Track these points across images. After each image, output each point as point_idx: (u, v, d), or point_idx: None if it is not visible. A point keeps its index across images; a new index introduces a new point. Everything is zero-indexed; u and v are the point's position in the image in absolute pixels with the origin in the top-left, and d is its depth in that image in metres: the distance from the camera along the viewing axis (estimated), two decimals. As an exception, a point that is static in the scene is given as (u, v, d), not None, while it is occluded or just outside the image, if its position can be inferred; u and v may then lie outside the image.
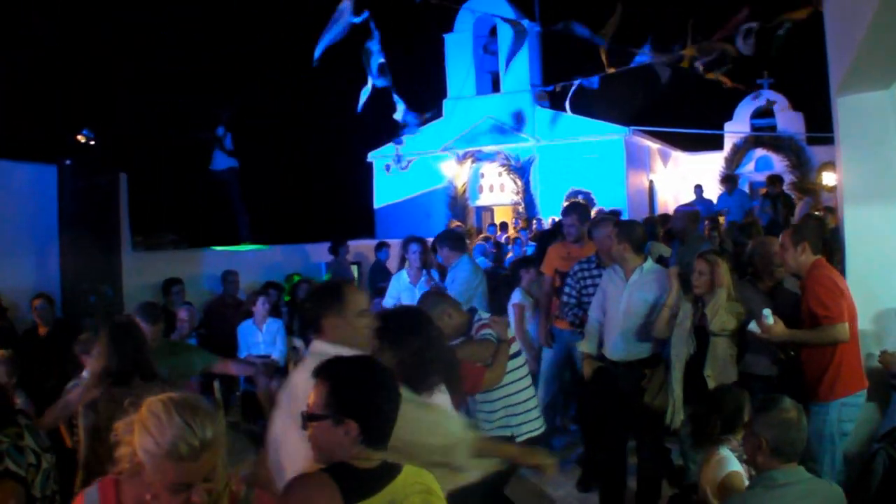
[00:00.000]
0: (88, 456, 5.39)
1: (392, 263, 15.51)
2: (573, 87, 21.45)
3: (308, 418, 3.29)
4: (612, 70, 18.81)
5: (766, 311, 6.43)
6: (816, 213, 16.82)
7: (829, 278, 6.51)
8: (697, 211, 11.62)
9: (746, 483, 4.97)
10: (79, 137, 11.53)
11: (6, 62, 21.89)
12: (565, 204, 10.12)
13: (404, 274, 9.96)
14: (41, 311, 9.55)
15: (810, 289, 6.50)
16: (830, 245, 8.68)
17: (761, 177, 25.52)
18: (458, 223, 21.12)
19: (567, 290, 8.81)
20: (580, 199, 23.18)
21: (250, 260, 14.86)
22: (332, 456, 3.27)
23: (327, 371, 3.34)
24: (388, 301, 10.26)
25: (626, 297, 7.50)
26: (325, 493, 3.12)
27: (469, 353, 5.70)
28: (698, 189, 21.64)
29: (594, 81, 19.76)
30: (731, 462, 5.16)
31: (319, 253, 16.52)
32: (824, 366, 6.36)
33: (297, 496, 3.13)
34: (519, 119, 24.41)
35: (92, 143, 11.59)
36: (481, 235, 19.09)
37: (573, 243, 9.30)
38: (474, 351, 5.79)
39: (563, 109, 23.65)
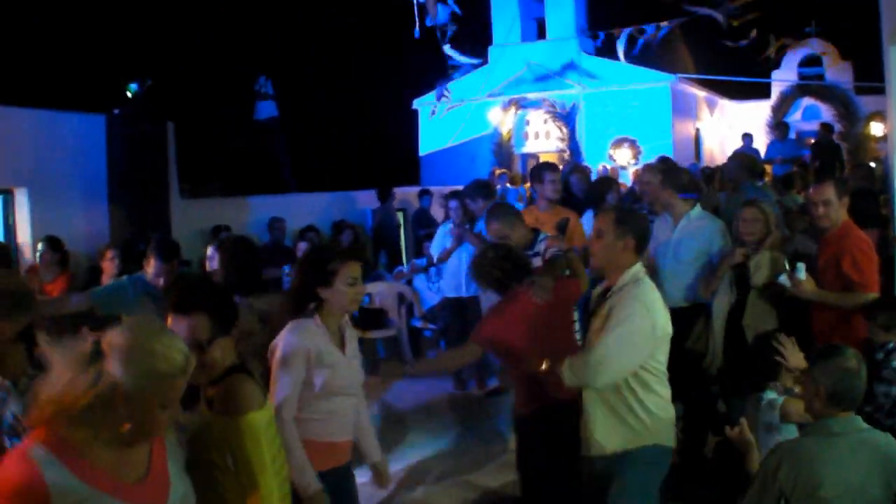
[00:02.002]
0: None
1: (435, 210, 15.59)
2: (624, 35, 21.38)
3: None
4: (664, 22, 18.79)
5: (800, 266, 6.33)
6: None
7: (867, 242, 6.31)
8: (753, 158, 11.49)
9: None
10: (129, 93, 11.63)
11: (53, 13, 22.05)
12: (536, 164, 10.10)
13: (449, 225, 10.04)
14: (115, 262, 9.50)
15: (847, 250, 6.25)
16: (875, 195, 8.62)
17: (809, 126, 25.23)
18: (503, 170, 21.06)
19: None
20: (625, 144, 23.11)
21: (297, 206, 14.94)
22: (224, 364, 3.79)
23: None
24: (435, 250, 10.39)
25: (673, 244, 7.50)
26: (255, 387, 3.74)
27: (554, 271, 5.81)
28: (747, 138, 21.24)
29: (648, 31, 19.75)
30: (777, 400, 5.18)
31: (365, 199, 16.60)
32: (845, 334, 6.02)
33: (244, 397, 3.64)
34: (564, 66, 24.24)
35: (146, 84, 11.68)
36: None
37: (545, 210, 8.99)
38: (555, 267, 5.88)
39: (609, 56, 23.51)
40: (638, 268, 5.01)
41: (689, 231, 7.47)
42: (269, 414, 3.79)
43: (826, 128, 20.24)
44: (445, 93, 23.71)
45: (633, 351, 4.79)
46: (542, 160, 24.19)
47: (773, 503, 4.28)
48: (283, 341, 4.53)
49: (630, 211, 5.60)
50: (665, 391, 5.00)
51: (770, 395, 5.28)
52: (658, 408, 4.92)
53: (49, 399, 2.68)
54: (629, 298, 4.82)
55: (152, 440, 2.96)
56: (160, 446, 3.02)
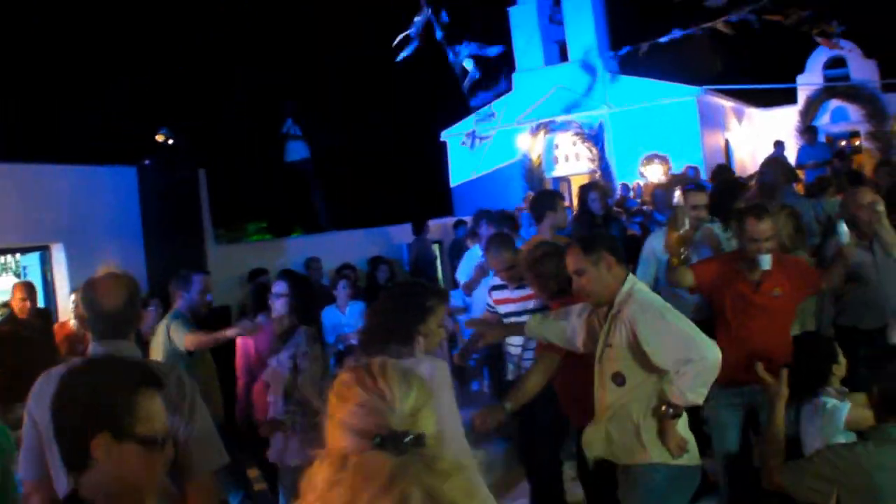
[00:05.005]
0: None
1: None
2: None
3: None
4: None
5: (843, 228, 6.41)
6: None
7: None
8: (788, 163, 11.30)
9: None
10: (158, 137, 11.74)
11: (79, 73, 22.31)
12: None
13: (477, 249, 9.97)
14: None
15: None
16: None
17: (837, 128, 25.17)
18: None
19: None
20: (655, 161, 23.01)
21: (332, 245, 14.98)
22: None
23: None
24: (462, 276, 10.33)
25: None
26: None
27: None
28: (779, 146, 20.88)
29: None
30: (842, 406, 5.06)
31: (400, 234, 16.63)
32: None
33: None
34: (589, 86, 24.23)
35: (171, 141, 11.79)
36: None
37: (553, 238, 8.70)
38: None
39: (634, 72, 23.49)
40: (630, 279, 5.04)
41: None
42: None
43: (840, 156, 19.73)
44: (479, 136, 23.85)
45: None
46: (573, 182, 24.24)
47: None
48: (443, 378, 4.22)
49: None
50: None
51: (830, 401, 5.17)
52: None
53: None
54: (648, 310, 4.85)
55: None
56: None
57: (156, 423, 2.74)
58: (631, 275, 5.07)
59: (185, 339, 7.61)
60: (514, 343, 7.12)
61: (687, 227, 6.24)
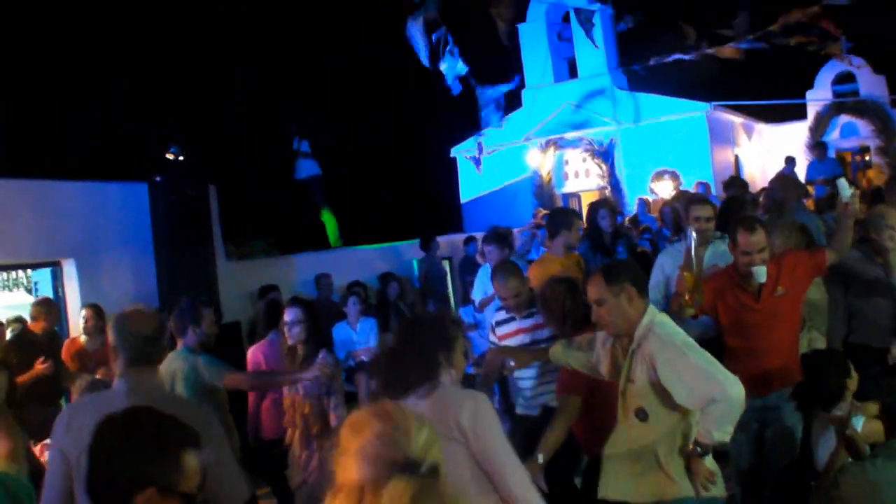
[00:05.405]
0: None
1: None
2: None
3: None
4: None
5: (842, 182, 6.39)
6: None
7: None
8: (796, 179, 11.27)
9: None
10: (168, 155, 11.77)
11: (92, 88, 22.37)
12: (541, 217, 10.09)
13: (489, 267, 9.94)
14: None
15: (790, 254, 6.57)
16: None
17: (847, 143, 25.07)
18: (546, 212, 21.02)
19: None
20: (665, 177, 22.98)
21: (342, 262, 14.97)
22: None
23: None
24: (477, 294, 10.31)
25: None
26: None
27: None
28: (790, 162, 20.69)
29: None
30: (856, 420, 5.05)
31: (410, 250, 16.61)
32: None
33: None
34: (599, 103, 24.22)
35: (180, 158, 11.81)
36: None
37: (564, 255, 8.88)
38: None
39: (643, 88, 23.49)
40: (651, 310, 4.95)
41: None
42: None
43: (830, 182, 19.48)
44: (482, 149, 23.85)
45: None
46: (583, 199, 24.23)
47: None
48: (489, 415, 4.14)
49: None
50: None
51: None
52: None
53: None
54: (669, 348, 4.76)
55: None
56: None
57: (196, 481, 2.83)
58: (651, 307, 4.98)
59: (227, 379, 7.17)
60: (522, 376, 7.10)
61: (695, 269, 6.17)
